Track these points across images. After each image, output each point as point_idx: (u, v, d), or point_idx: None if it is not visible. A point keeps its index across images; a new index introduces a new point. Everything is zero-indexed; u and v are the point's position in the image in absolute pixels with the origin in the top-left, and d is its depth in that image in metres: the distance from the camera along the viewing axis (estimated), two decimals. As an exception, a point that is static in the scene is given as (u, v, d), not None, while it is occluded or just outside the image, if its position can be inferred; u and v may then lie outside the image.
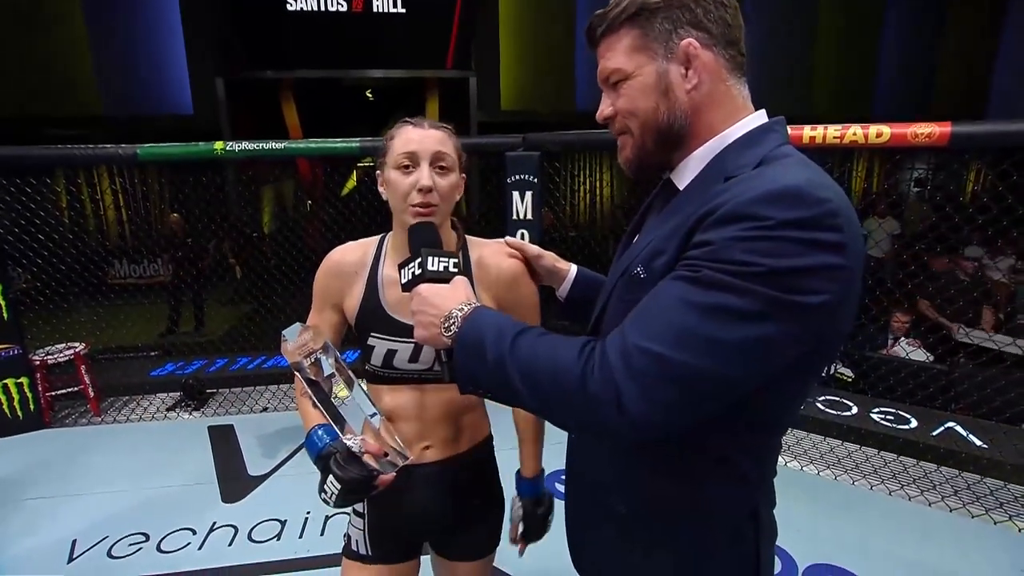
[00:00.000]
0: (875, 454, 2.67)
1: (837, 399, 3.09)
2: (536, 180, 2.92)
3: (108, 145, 2.96)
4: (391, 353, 1.01)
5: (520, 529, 1.15)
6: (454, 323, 0.70)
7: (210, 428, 3.09)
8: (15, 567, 2.02)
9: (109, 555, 2.07)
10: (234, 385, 3.61)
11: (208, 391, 3.51)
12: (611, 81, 0.71)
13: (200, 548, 2.10)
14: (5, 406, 3.04)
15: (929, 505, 2.33)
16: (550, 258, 1.05)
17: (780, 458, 2.67)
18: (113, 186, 7.29)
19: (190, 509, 2.33)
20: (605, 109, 0.74)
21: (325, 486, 0.85)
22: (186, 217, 5.51)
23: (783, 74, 8.17)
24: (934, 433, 2.72)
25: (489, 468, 1.16)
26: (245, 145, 2.98)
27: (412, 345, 0.99)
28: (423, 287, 0.77)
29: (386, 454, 0.85)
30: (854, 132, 2.22)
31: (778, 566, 1.93)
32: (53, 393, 3.26)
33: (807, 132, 2.29)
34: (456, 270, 0.79)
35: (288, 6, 6.57)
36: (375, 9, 6.68)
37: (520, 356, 0.64)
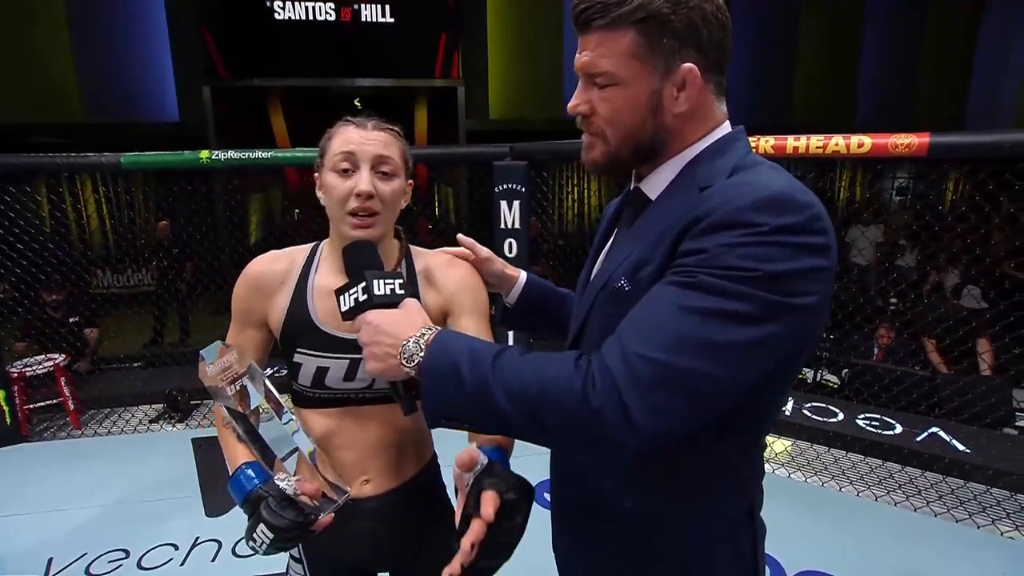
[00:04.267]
0: (861, 460, 2.70)
1: (823, 406, 3.12)
2: (524, 189, 2.93)
3: (91, 153, 2.92)
4: (322, 371, 0.90)
5: (477, 531, 0.64)
6: (416, 352, 0.65)
7: (194, 440, 3.03)
8: (-11, 586, 1.96)
9: (87, 573, 2.01)
10: (219, 396, 3.56)
11: (192, 402, 3.45)
12: (596, 79, 0.67)
13: (182, 564, 2.06)
14: (-19, 420, 2.96)
15: (914, 510, 2.35)
16: (499, 263, 1.00)
17: (767, 465, 2.69)
18: (96, 195, 7.20)
19: (172, 524, 2.28)
20: (580, 105, 0.69)
21: (255, 534, 0.76)
22: (172, 227, 5.45)
23: (766, 84, 8.31)
24: (918, 439, 2.75)
25: (437, 494, 1.06)
26: (231, 154, 2.96)
27: (347, 361, 0.90)
28: (372, 314, 0.70)
29: (324, 494, 0.77)
30: (836, 143, 2.25)
31: (767, 573, 1.93)
32: (32, 406, 3.18)
33: (791, 142, 2.33)
34: (403, 292, 0.73)
35: (276, 15, 6.58)
36: (363, 19, 6.71)
37: (506, 376, 0.61)
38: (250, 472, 0.82)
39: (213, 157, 2.94)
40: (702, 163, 0.68)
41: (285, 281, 0.94)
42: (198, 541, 2.17)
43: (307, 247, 0.98)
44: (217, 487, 2.56)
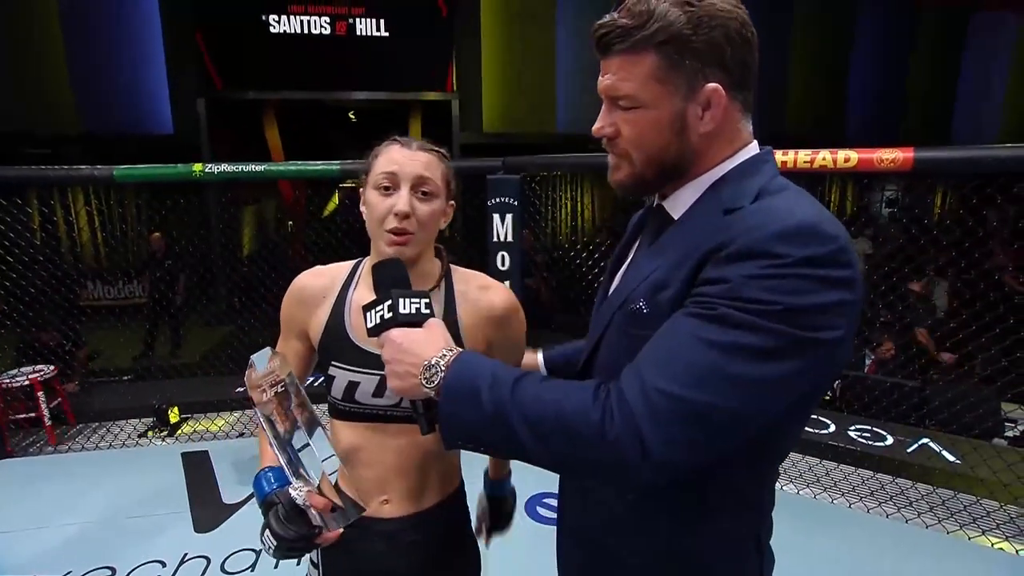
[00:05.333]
0: (853, 472, 2.70)
1: (815, 418, 3.13)
2: (516, 203, 2.94)
3: (83, 166, 2.91)
4: (353, 385, 0.92)
5: (486, 524, 1.15)
6: (437, 372, 0.65)
7: (183, 454, 3.00)
8: (-30, 606, 1.92)
9: (72, 591, 1.98)
10: (210, 410, 3.52)
11: (182, 416, 3.42)
12: (619, 102, 0.67)
13: (170, 581, 2.03)
14: (-36, 435, 2.91)
15: (906, 522, 2.36)
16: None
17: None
18: (88, 207, 7.16)
19: (160, 540, 2.24)
20: (605, 127, 0.69)
21: (263, 537, 0.79)
22: (165, 239, 5.43)
23: (759, 96, 8.41)
24: (909, 450, 2.77)
25: (459, 523, 1.05)
26: (225, 167, 2.96)
27: (377, 377, 0.91)
28: (395, 332, 0.71)
29: (334, 509, 0.78)
30: (823, 157, 2.29)
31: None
32: (14, 417, 3.13)
33: (779, 156, 2.36)
34: (429, 311, 0.73)
35: (271, 28, 6.62)
36: (358, 32, 6.77)
37: (524, 402, 0.60)
38: (271, 476, 0.85)
39: (207, 170, 2.94)
40: (727, 184, 0.66)
41: (327, 295, 0.97)
42: (186, 558, 2.14)
43: (350, 263, 1.01)
44: (207, 502, 2.53)
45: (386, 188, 0.89)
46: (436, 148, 0.94)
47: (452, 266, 1.00)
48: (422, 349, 0.68)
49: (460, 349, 0.68)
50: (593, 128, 0.70)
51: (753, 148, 0.69)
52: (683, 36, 0.62)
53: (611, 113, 0.69)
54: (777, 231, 0.57)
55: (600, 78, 0.68)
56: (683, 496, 0.69)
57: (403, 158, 0.89)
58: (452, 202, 0.97)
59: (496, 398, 0.61)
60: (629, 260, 0.80)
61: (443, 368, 0.65)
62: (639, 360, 0.60)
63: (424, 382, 0.66)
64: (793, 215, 0.58)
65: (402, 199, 0.87)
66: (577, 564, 0.83)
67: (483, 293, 0.97)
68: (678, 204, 0.70)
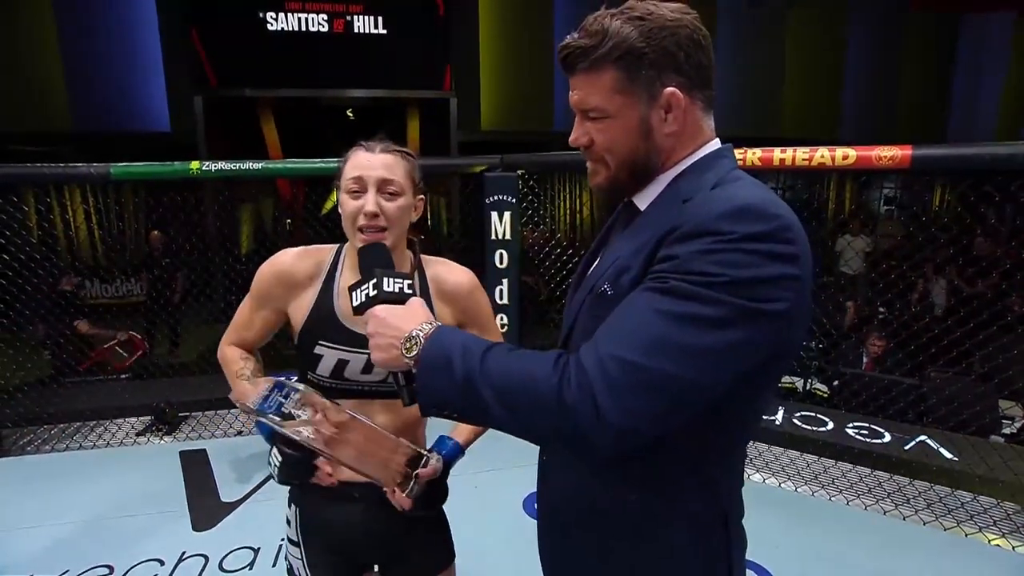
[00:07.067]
0: (850, 469, 2.71)
1: (813, 415, 3.13)
2: (514, 200, 2.94)
3: (79, 164, 2.90)
4: (342, 363, 0.99)
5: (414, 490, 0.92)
6: (416, 343, 0.69)
7: (181, 453, 2.99)
8: (-32, 605, 1.92)
9: (70, 590, 1.97)
10: (208, 408, 3.52)
11: (180, 415, 3.41)
12: (588, 114, 0.73)
13: (168, 580, 2.02)
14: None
15: (903, 519, 2.36)
16: None
17: (759, 475, 2.70)
18: (85, 205, 7.13)
19: (158, 539, 2.24)
20: (580, 137, 0.75)
21: (270, 457, 0.91)
22: (164, 237, 5.42)
23: (755, 100, 8.43)
24: (906, 447, 2.77)
25: None
26: (222, 165, 2.95)
27: (366, 356, 0.94)
28: (379, 308, 0.76)
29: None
30: (822, 155, 2.29)
31: (758, 584, 1.93)
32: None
33: (777, 155, 2.36)
34: (411, 291, 0.79)
35: (268, 26, 6.60)
36: (356, 30, 6.75)
37: (491, 371, 0.64)
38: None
39: (204, 168, 2.93)
40: (687, 177, 0.72)
41: (313, 279, 1.03)
42: (184, 556, 2.14)
43: (332, 247, 1.08)
44: (205, 500, 2.52)
45: (354, 191, 0.96)
46: (399, 149, 1.00)
47: (422, 255, 1.09)
48: (403, 323, 0.73)
49: (439, 323, 0.73)
50: (570, 139, 0.76)
51: (714, 144, 0.74)
52: (637, 49, 0.67)
53: (583, 124, 0.74)
54: (723, 211, 0.62)
55: (570, 94, 0.74)
56: (650, 477, 0.73)
57: (367, 162, 0.96)
58: (421, 196, 1.04)
59: (466, 367, 0.65)
60: (603, 251, 0.85)
61: (422, 339, 0.69)
62: (597, 333, 0.64)
63: (404, 353, 0.70)
64: (741, 198, 0.63)
65: (369, 201, 0.95)
66: (553, 551, 0.87)
67: (449, 275, 1.08)
68: (645, 197, 0.76)
